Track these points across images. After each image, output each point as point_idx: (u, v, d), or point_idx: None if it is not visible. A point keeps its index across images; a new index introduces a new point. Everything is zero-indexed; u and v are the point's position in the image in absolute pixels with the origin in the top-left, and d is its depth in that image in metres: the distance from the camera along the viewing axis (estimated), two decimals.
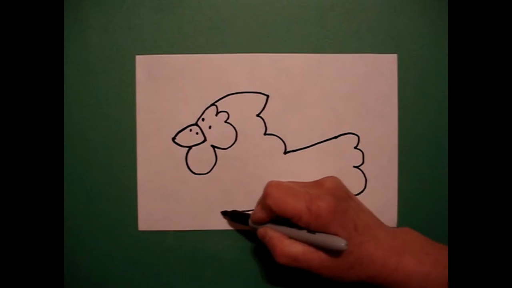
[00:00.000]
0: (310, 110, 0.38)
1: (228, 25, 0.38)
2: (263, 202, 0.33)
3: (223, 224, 0.38)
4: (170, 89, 0.38)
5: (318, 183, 0.35)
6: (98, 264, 0.38)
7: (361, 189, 0.39)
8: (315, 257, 0.31)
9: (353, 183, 0.38)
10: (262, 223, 0.34)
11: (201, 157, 0.38)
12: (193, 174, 0.38)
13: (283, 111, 0.38)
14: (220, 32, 0.38)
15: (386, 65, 0.38)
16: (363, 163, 0.39)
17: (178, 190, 0.38)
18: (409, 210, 0.39)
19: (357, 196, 0.38)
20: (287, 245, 0.32)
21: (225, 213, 0.38)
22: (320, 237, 0.31)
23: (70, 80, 0.38)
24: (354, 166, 0.39)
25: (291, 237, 0.32)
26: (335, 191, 0.33)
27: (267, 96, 0.38)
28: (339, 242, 0.30)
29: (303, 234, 0.31)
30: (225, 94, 0.38)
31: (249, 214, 0.36)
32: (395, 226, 0.39)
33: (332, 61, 0.38)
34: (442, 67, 0.38)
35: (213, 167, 0.38)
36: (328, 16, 0.38)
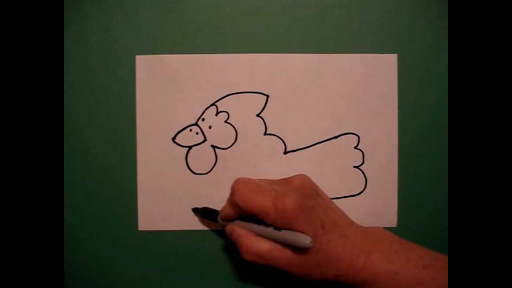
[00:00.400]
0: (310, 110, 0.38)
1: (228, 25, 0.38)
2: (231, 199, 0.33)
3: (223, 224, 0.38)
4: (170, 89, 0.38)
5: (286, 181, 0.35)
6: (98, 264, 0.38)
7: (361, 189, 0.39)
8: (282, 255, 0.31)
9: (353, 183, 0.38)
10: (230, 220, 0.34)
11: (201, 157, 0.38)
12: (193, 174, 0.38)
13: (283, 111, 0.38)
14: (220, 32, 0.38)
15: (386, 65, 0.38)
16: (363, 163, 0.39)
17: (178, 190, 0.38)
18: (409, 210, 0.39)
19: (357, 196, 0.38)
20: (254, 242, 0.32)
21: (195, 210, 0.38)
22: (285, 234, 0.31)
23: (70, 80, 0.38)
24: (354, 166, 0.39)
25: (258, 234, 0.32)
26: (302, 189, 0.33)
27: (267, 96, 0.38)
28: (304, 239, 0.30)
29: (269, 231, 0.31)
30: (225, 94, 0.38)
31: (218, 211, 0.36)
32: (395, 226, 0.39)
33: (332, 61, 0.38)
34: (442, 67, 0.38)
35: (213, 167, 0.38)
36: (328, 16, 0.38)
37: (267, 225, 0.32)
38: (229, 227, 0.34)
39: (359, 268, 0.31)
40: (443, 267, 0.31)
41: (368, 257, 0.31)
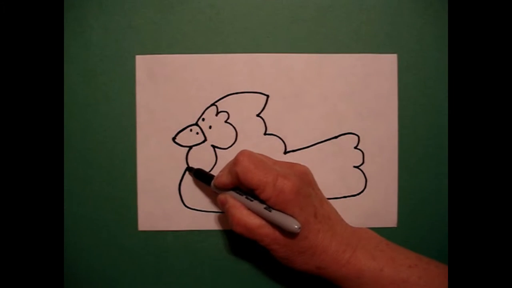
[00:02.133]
0: (310, 110, 0.38)
1: (228, 25, 0.38)
2: (231, 168, 0.33)
3: (223, 224, 0.38)
4: (170, 89, 0.38)
5: (289, 164, 0.35)
6: (98, 264, 0.38)
7: (361, 189, 0.39)
8: (270, 233, 0.31)
9: (353, 183, 0.38)
10: (224, 189, 0.34)
11: (201, 157, 0.38)
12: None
13: (283, 111, 0.38)
14: (220, 32, 0.38)
15: (386, 65, 0.38)
16: (363, 163, 0.39)
17: (178, 190, 0.38)
18: (409, 210, 0.39)
19: (357, 196, 0.38)
20: (245, 216, 0.32)
21: (190, 169, 0.38)
22: (276, 215, 0.31)
23: (70, 80, 0.38)
24: (354, 166, 0.39)
25: (249, 209, 0.32)
26: (303, 175, 0.33)
27: (267, 96, 0.38)
28: (292, 223, 0.30)
29: (261, 209, 0.32)
30: (225, 94, 0.38)
31: (213, 176, 0.36)
32: (395, 226, 0.39)
33: (332, 61, 0.38)
34: (442, 67, 0.38)
35: (213, 167, 0.38)
36: (328, 16, 0.38)
37: (260, 202, 0.32)
38: (223, 197, 0.34)
39: (343, 263, 0.32)
40: (428, 268, 0.32)
41: (353, 253, 0.32)
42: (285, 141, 0.38)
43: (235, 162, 0.33)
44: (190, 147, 0.38)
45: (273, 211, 0.31)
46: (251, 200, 0.32)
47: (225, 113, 0.38)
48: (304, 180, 0.33)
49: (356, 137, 0.38)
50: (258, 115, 0.38)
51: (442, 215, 0.38)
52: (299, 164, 0.35)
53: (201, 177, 0.37)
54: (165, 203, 0.38)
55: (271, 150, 0.38)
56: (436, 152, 0.39)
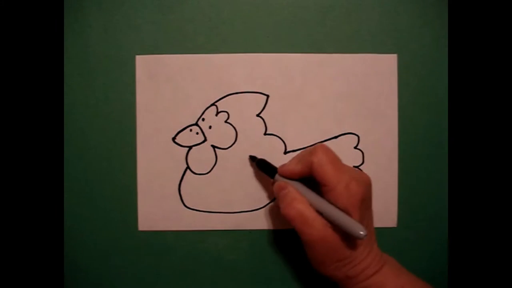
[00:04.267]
0: (310, 110, 0.38)
1: (228, 25, 0.38)
2: (305, 157, 0.33)
3: (223, 224, 0.38)
4: (170, 89, 0.38)
5: (358, 171, 0.34)
6: (98, 264, 0.38)
7: None
8: (322, 230, 0.31)
9: None
10: (289, 178, 0.34)
11: (201, 157, 0.38)
12: (193, 174, 0.38)
13: (283, 111, 0.38)
14: (220, 32, 0.38)
15: (386, 65, 0.38)
16: (363, 163, 0.39)
17: (178, 190, 0.38)
18: (409, 210, 0.39)
19: None
20: (303, 203, 0.31)
21: (253, 159, 0.37)
22: (344, 216, 0.30)
23: (70, 80, 0.38)
24: (354, 166, 0.39)
25: (311, 204, 0.32)
26: (369, 187, 0.33)
27: (267, 96, 0.38)
28: (359, 229, 0.29)
29: (326, 204, 0.31)
30: (225, 94, 0.38)
31: (276, 168, 0.35)
32: (395, 226, 0.39)
33: (332, 61, 0.38)
34: (442, 67, 0.38)
35: (213, 167, 0.38)
36: (328, 16, 0.38)
37: (324, 199, 0.31)
38: (282, 183, 0.34)
39: (370, 275, 0.32)
40: None
41: (380, 268, 0.32)
42: (285, 141, 0.38)
43: (312, 151, 0.32)
44: (190, 147, 0.38)
45: (341, 212, 0.30)
46: (315, 195, 0.32)
47: (225, 113, 0.38)
48: (369, 191, 0.33)
49: (356, 137, 0.38)
50: (258, 115, 0.38)
51: (442, 215, 0.38)
52: (366, 174, 0.34)
53: (264, 167, 0.36)
54: (165, 203, 0.38)
55: (271, 150, 0.38)
56: (436, 152, 0.39)
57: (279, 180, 0.34)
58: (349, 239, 0.31)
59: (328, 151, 0.32)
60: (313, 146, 0.33)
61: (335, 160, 0.32)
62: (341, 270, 0.32)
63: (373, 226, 0.34)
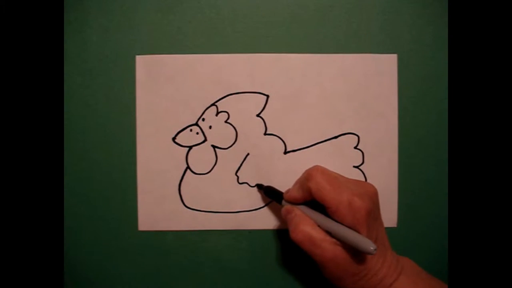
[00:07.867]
0: (310, 110, 0.38)
1: (228, 25, 0.38)
2: (303, 184, 0.33)
3: (223, 224, 0.38)
4: (170, 89, 0.38)
5: (360, 183, 0.34)
6: (98, 264, 0.38)
7: None
8: (331, 249, 0.31)
9: None
10: (294, 203, 0.34)
11: (201, 157, 0.38)
12: (193, 174, 0.38)
13: (283, 111, 0.38)
14: (220, 32, 0.38)
15: (386, 65, 0.38)
16: (363, 163, 0.39)
17: (178, 190, 0.38)
18: (409, 210, 0.39)
19: None
20: (310, 226, 0.31)
21: (260, 187, 0.38)
22: (352, 233, 0.30)
23: (70, 80, 0.38)
24: (354, 166, 0.39)
25: (319, 225, 0.32)
26: (373, 197, 0.33)
27: (267, 96, 0.38)
28: (369, 245, 0.29)
29: (333, 224, 0.31)
30: (225, 94, 0.38)
31: (282, 192, 0.36)
32: (395, 226, 0.39)
33: (332, 61, 0.38)
34: (442, 67, 0.38)
35: (213, 167, 0.38)
36: (328, 16, 0.38)
37: (331, 219, 0.31)
38: (289, 207, 0.34)
39: (388, 285, 0.31)
40: None
41: (397, 278, 0.32)
42: (285, 141, 0.38)
43: (307, 177, 0.32)
44: (190, 147, 0.38)
45: (348, 229, 0.30)
46: (322, 216, 0.32)
47: (225, 113, 0.38)
48: (375, 202, 0.33)
49: (356, 137, 0.38)
50: (258, 115, 0.38)
51: (442, 215, 0.38)
52: (369, 184, 0.34)
53: (271, 194, 0.37)
54: (165, 203, 0.38)
55: (271, 150, 0.38)
56: (436, 152, 0.39)
57: (286, 204, 0.35)
58: (361, 253, 0.31)
59: (324, 172, 0.32)
60: (308, 170, 0.33)
61: (332, 180, 0.32)
62: (359, 283, 0.32)
63: (385, 234, 0.34)
